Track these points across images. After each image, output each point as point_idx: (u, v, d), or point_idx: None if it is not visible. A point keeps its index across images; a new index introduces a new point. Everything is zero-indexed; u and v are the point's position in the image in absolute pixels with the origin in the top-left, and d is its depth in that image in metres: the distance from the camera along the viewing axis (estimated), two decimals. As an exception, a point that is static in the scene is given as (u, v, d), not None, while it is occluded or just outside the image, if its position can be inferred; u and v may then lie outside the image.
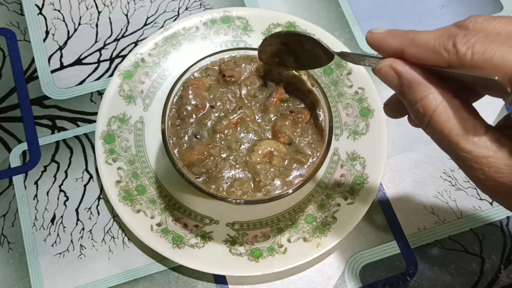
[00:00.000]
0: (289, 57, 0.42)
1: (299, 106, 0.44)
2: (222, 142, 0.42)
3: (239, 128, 0.43)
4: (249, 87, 0.44)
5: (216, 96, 0.44)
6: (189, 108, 0.43)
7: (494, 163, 0.27)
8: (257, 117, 0.43)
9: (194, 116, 0.44)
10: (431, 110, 0.28)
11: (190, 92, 0.44)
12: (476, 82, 0.28)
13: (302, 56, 0.41)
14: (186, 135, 0.43)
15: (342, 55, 0.36)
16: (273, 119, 0.43)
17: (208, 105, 0.44)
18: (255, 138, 0.43)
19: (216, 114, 0.44)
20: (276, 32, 0.41)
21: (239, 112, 0.43)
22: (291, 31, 0.40)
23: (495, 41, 0.26)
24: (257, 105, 0.44)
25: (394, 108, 0.36)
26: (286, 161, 0.42)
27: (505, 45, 0.26)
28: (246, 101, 0.44)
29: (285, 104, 0.44)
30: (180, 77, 0.44)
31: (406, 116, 0.35)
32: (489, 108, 0.53)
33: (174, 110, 0.44)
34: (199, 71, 0.45)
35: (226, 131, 0.43)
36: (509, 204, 0.29)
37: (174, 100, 0.44)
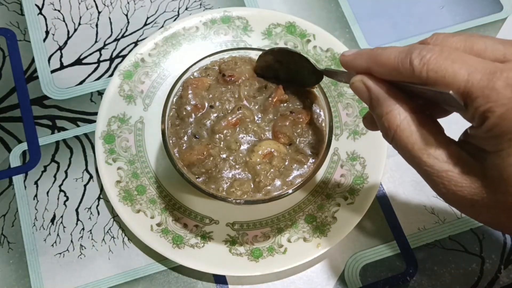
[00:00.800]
0: (283, 74, 0.44)
1: (299, 107, 0.44)
2: (222, 143, 0.42)
3: (238, 129, 0.43)
4: (248, 88, 0.44)
5: (215, 96, 0.44)
6: (189, 108, 0.43)
7: (453, 177, 0.28)
8: (256, 118, 0.43)
9: (193, 116, 0.44)
10: (395, 125, 0.30)
11: (189, 92, 0.44)
12: (437, 98, 0.29)
13: (295, 73, 0.43)
14: (186, 135, 0.43)
15: (328, 72, 0.39)
16: (272, 119, 0.43)
17: (207, 105, 0.44)
18: (254, 138, 0.43)
19: (215, 114, 0.44)
20: (270, 49, 0.42)
21: (238, 112, 0.43)
22: (283, 48, 0.42)
23: (449, 57, 0.27)
24: (257, 106, 0.44)
25: (370, 121, 0.37)
26: (286, 161, 0.42)
27: (458, 62, 0.27)
28: (245, 102, 0.44)
29: (285, 105, 0.44)
30: (180, 77, 0.44)
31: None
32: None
33: (174, 110, 0.44)
34: (199, 71, 0.45)
35: (225, 131, 0.43)
36: (472, 215, 0.29)
37: (174, 100, 0.44)
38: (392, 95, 0.30)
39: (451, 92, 0.26)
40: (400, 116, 0.30)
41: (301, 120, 0.43)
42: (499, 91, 0.25)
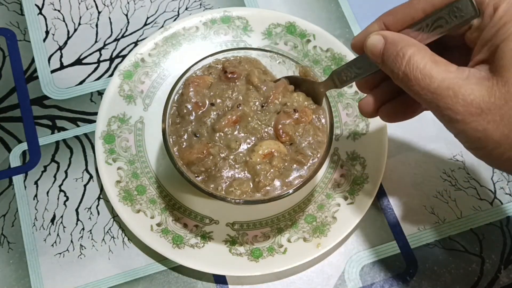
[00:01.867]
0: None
1: (303, 103, 0.44)
2: (222, 142, 0.42)
3: (238, 127, 0.43)
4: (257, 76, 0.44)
5: (216, 94, 0.44)
6: (189, 106, 0.43)
7: (463, 85, 0.30)
8: (256, 116, 0.43)
9: (194, 114, 0.43)
10: (410, 52, 0.32)
11: (191, 89, 0.44)
12: (451, 20, 0.33)
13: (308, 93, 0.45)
14: (186, 134, 0.43)
15: (336, 73, 0.41)
16: (273, 115, 0.43)
17: (208, 103, 0.44)
18: (255, 136, 0.43)
19: (216, 112, 0.43)
20: (284, 77, 0.45)
21: (238, 109, 0.43)
22: (294, 76, 0.45)
23: None
24: (257, 102, 0.44)
25: (366, 83, 0.40)
26: (287, 162, 0.42)
27: None
28: (246, 98, 0.44)
29: (289, 103, 0.44)
30: (181, 76, 0.44)
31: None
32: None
33: (174, 108, 0.44)
34: (202, 69, 0.45)
35: (225, 130, 0.42)
36: (481, 128, 0.30)
37: (175, 98, 0.44)
38: (407, 37, 0.34)
39: None
40: (415, 45, 0.33)
41: (303, 119, 0.43)
42: None
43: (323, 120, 0.44)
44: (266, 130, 0.43)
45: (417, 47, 0.33)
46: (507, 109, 0.29)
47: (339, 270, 0.47)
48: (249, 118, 0.43)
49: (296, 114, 0.43)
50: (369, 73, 0.38)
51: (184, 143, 0.42)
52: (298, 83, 0.45)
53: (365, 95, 0.40)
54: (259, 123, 0.43)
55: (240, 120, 0.43)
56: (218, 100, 0.44)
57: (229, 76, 0.44)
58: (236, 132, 0.43)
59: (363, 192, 0.48)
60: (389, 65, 0.34)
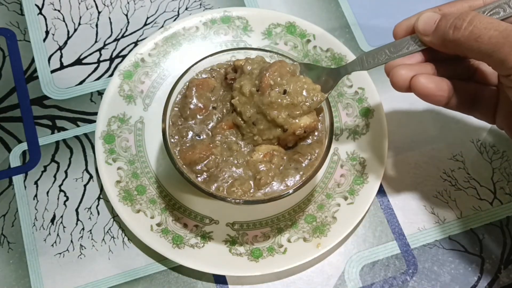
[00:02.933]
0: None
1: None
2: (224, 145, 0.43)
3: (235, 132, 0.43)
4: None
5: (218, 98, 0.44)
6: (193, 108, 0.43)
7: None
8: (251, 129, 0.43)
9: (197, 116, 0.44)
10: (471, 15, 0.34)
11: (194, 92, 0.44)
12: None
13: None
14: (189, 135, 0.43)
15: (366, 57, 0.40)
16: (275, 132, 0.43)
17: (211, 106, 0.44)
18: (250, 145, 0.43)
19: (217, 116, 0.44)
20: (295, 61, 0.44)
21: (233, 114, 0.43)
22: (306, 63, 0.44)
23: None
24: (251, 88, 0.42)
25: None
26: (286, 161, 0.43)
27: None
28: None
29: (289, 90, 0.41)
30: (181, 76, 0.44)
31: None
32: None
33: (176, 109, 0.44)
34: (204, 71, 0.45)
35: (224, 133, 0.43)
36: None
37: (177, 99, 0.44)
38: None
39: None
40: (472, 12, 0.35)
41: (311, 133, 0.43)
42: None
43: (322, 120, 0.44)
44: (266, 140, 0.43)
45: (474, 12, 0.35)
46: None
47: (339, 270, 0.47)
48: (244, 131, 0.43)
49: (305, 133, 0.42)
50: (402, 55, 0.38)
51: (187, 144, 0.43)
52: (310, 69, 0.43)
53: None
54: (258, 136, 0.43)
55: (238, 126, 0.43)
56: (219, 104, 0.44)
57: (229, 82, 0.44)
58: (235, 136, 0.43)
59: (363, 192, 0.48)
60: (443, 32, 0.35)
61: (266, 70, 0.41)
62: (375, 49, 0.40)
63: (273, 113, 0.41)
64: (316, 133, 0.44)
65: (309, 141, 0.43)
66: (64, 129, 0.52)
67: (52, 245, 0.48)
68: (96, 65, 0.55)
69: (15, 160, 0.51)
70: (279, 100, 0.40)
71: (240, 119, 0.42)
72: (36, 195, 0.49)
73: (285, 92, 0.41)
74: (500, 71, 0.35)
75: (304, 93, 0.41)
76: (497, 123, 0.40)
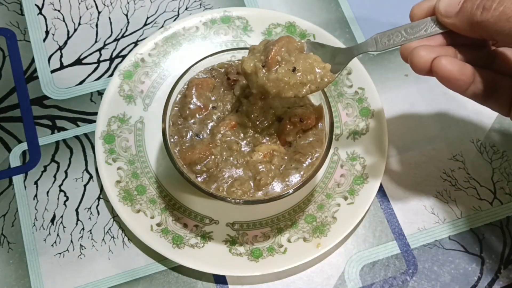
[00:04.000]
0: None
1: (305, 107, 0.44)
2: (223, 143, 0.43)
3: (236, 132, 0.43)
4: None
5: (218, 98, 0.44)
6: (192, 107, 0.43)
7: None
8: (255, 126, 0.43)
9: (197, 116, 0.44)
10: None
11: (194, 91, 0.44)
12: None
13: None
14: (188, 135, 0.43)
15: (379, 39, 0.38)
16: (275, 125, 0.43)
17: (211, 106, 0.44)
18: (251, 144, 0.43)
19: (217, 116, 0.44)
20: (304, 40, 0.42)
21: (237, 114, 0.43)
22: (315, 42, 0.42)
23: None
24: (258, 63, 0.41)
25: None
26: (286, 160, 0.43)
27: None
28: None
29: (299, 67, 0.39)
30: (181, 76, 0.44)
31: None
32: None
33: (176, 109, 0.44)
34: (204, 71, 0.45)
35: (225, 133, 0.43)
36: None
37: (177, 99, 0.44)
38: None
39: None
40: None
41: (309, 127, 0.43)
42: None
43: (322, 120, 0.44)
44: (265, 132, 0.43)
45: None
46: None
47: (339, 270, 0.47)
48: (247, 128, 0.43)
49: (302, 123, 0.42)
50: (420, 38, 0.37)
51: (186, 144, 0.43)
52: (320, 48, 0.40)
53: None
54: (258, 132, 0.43)
55: (238, 126, 0.43)
56: (220, 104, 0.44)
57: (231, 83, 0.44)
58: (235, 136, 0.43)
59: (363, 192, 0.48)
60: (469, 13, 0.33)
61: (272, 45, 0.39)
62: (390, 30, 0.37)
63: (280, 92, 0.39)
64: (316, 133, 0.44)
65: (310, 138, 0.43)
66: (64, 129, 0.52)
67: (52, 245, 0.48)
68: (96, 65, 0.55)
69: (15, 160, 0.51)
70: (286, 79, 0.38)
71: (245, 115, 0.42)
72: (36, 195, 0.49)
73: (294, 69, 0.38)
74: None
75: (313, 71, 0.38)
76: None
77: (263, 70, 0.38)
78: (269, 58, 0.38)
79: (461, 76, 0.35)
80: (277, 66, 0.38)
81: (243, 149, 0.43)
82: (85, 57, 0.55)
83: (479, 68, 0.36)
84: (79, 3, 0.57)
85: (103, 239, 0.48)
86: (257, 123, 0.43)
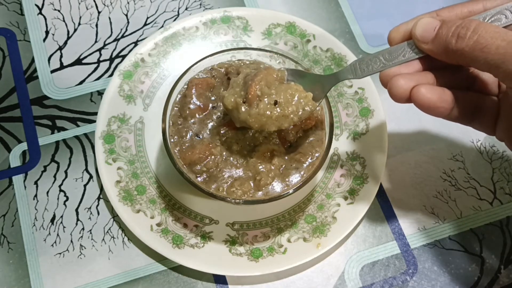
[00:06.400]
0: None
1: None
2: (224, 145, 0.43)
3: (237, 133, 0.43)
4: None
5: (218, 98, 0.44)
6: (192, 107, 0.43)
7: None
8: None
9: (196, 115, 0.44)
10: (474, 24, 0.33)
11: (194, 91, 0.44)
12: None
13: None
14: (188, 135, 0.43)
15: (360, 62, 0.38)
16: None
17: (210, 106, 0.44)
18: (252, 144, 0.43)
19: (217, 115, 0.44)
20: (283, 68, 0.42)
21: None
22: (295, 69, 0.42)
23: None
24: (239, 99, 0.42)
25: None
26: (286, 160, 0.43)
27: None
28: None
29: (280, 100, 0.39)
30: (181, 76, 0.44)
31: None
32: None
33: (176, 109, 0.44)
34: (204, 71, 0.45)
35: (225, 133, 0.43)
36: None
37: (177, 99, 0.44)
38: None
39: None
40: (475, 20, 0.33)
41: (309, 126, 0.43)
42: None
43: (322, 120, 0.44)
44: (266, 138, 0.43)
45: (477, 21, 0.33)
46: None
47: (339, 270, 0.47)
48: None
49: (302, 122, 0.42)
50: (398, 63, 0.36)
51: (186, 144, 0.43)
52: (301, 76, 0.41)
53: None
54: (258, 132, 0.43)
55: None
56: (220, 104, 0.44)
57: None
58: (235, 136, 0.43)
59: (363, 192, 0.48)
60: (444, 41, 0.34)
61: (251, 80, 0.38)
62: (368, 55, 0.37)
63: (262, 127, 0.39)
64: (316, 133, 0.44)
65: (311, 138, 0.43)
66: (64, 129, 0.52)
67: (52, 245, 0.48)
68: (96, 65, 0.54)
69: (15, 160, 0.51)
70: (268, 113, 0.38)
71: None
72: (36, 195, 0.49)
73: (276, 103, 0.38)
74: (509, 83, 0.33)
75: (295, 102, 0.39)
76: (497, 134, 0.38)
77: (244, 106, 0.38)
78: (249, 93, 0.38)
79: (441, 104, 0.35)
80: (258, 100, 0.38)
81: (243, 149, 0.43)
82: (85, 57, 0.55)
83: (460, 91, 0.36)
84: (79, 3, 0.57)
85: (103, 239, 0.48)
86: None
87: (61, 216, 0.49)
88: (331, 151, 0.50)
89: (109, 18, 0.56)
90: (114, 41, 0.55)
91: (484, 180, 0.51)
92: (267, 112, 0.38)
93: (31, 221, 0.48)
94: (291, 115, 0.39)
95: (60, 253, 0.47)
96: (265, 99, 0.38)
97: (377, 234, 0.49)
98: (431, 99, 0.34)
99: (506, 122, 0.37)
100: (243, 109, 0.39)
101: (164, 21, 0.56)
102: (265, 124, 0.39)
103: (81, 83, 0.54)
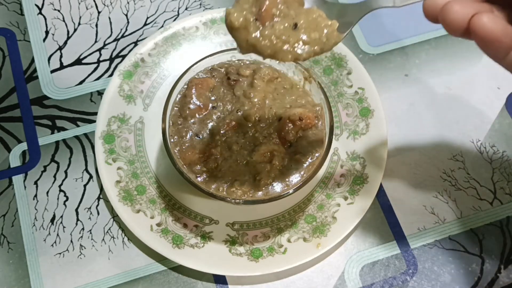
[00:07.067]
0: None
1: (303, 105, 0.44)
2: (224, 145, 0.43)
3: (237, 133, 0.43)
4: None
5: (218, 98, 0.44)
6: (192, 107, 0.43)
7: None
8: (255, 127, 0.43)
9: (196, 116, 0.44)
10: None
11: (193, 91, 0.44)
12: None
13: None
14: (188, 135, 0.43)
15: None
16: (275, 124, 0.43)
17: (210, 106, 0.44)
18: (253, 143, 0.43)
19: (217, 116, 0.44)
20: None
21: (237, 114, 0.43)
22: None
23: None
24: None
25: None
26: (286, 160, 0.43)
27: None
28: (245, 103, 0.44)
29: (300, 22, 0.31)
30: (181, 76, 0.44)
31: None
32: (490, 108, 0.53)
33: (176, 109, 0.44)
34: (204, 71, 0.45)
35: (225, 133, 0.43)
36: None
37: (177, 99, 0.44)
38: None
39: None
40: None
41: (309, 126, 0.43)
42: None
43: (322, 120, 0.44)
44: (266, 137, 0.43)
45: None
46: None
47: (339, 270, 0.47)
48: (248, 129, 0.43)
49: (302, 121, 0.42)
50: None
51: (186, 144, 0.43)
52: (323, 3, 0.33)
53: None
54: (258, 132, 0.43)
55: (239, 126, 0.43)
56: (220, 104, 0.44)
57: (232, 83, 0.44)
58: (235, 136, 0.43)
59: (363, 192, 0.48)
60: None
61: None
62: None
63: (275, 54, 0.31)
64: (316, 133, 0.44)
65: (311, 138, 0.43)
66: (64, 129, 0.52)
67: (52, 245, 0.48)
68: (96, 65, 0.54)
69: (15, 160, 0.51)
70: (285, 37, 0.30)
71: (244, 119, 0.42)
72: (36, 195, 0.49)
73: (296, 26, 0.30)
74: None
75: (318, 29, 0.31)
76: None
77: (256, 24, 0.30)
78: (263, 10, 0.30)
79: (505, 38, 0.28)
80: (273, 20, 0.30)
81: (243, 149, 0.43)
82: (85, 57, 0.55)
83: None
84: (79, 3, 0.57)
85: (103, 239, 0.48)
86: (258, 121, 0.43)
87: (61, 216, 0.49)
88: (331, 151, 0.50)
89: (109, 18, 0.56)
90: (114, 41, 0.55)
91: (484, 180, 0.51)
92: (284, 36, 0.30)
93: (31, 221, 0.48)
94: (313, 44, 0.31)
95: (60, 253, 0.47)
96: (282, 19, 0.30)
97: (377, 234, 0.49)
98: (495, 31, 0.28)
99: None
100: (253, 28, 0.30)
101: (164, 21, 0.56)
102: (279, 51, 0.30)
103: (81, 83, 0.54)
